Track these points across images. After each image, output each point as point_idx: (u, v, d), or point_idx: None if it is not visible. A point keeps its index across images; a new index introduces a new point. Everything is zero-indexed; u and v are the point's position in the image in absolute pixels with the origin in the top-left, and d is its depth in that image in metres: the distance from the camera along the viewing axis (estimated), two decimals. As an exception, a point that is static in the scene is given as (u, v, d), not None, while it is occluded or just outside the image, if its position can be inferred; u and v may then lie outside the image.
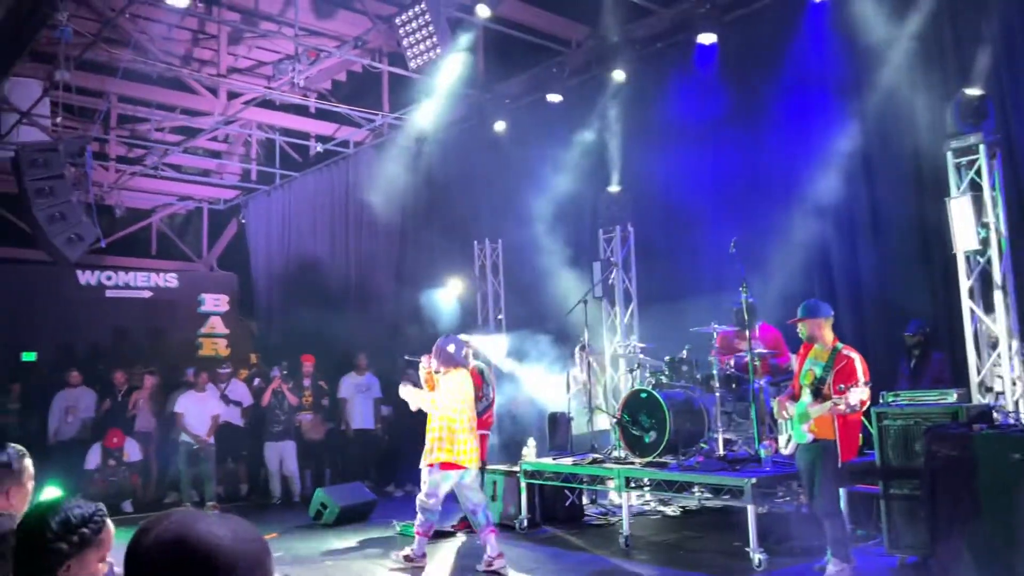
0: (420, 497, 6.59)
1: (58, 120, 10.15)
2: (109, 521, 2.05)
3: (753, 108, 8.56)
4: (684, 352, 7.71)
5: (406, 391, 6.74)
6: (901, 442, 5.95)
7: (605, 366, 9.45)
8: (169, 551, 1.26)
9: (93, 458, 10.30)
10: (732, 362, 7.40)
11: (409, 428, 10.87)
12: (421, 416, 10.70)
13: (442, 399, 6.43)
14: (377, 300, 12.86)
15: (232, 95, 12.10)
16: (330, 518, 8.47)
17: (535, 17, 10.23)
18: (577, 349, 8.96)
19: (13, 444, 2.85)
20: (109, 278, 14.67)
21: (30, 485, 2.88)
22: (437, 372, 6.64)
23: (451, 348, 6.59)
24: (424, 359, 6.78)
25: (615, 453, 7.64)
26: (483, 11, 8.63)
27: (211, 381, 10.82)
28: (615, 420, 7.56)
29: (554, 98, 10.07)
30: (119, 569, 3.05)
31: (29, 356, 13.44)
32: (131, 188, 14.32)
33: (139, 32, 10.71)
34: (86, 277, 14.33)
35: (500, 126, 10.93)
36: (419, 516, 6.57)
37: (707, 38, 8.61)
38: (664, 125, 9.07)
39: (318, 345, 12.39)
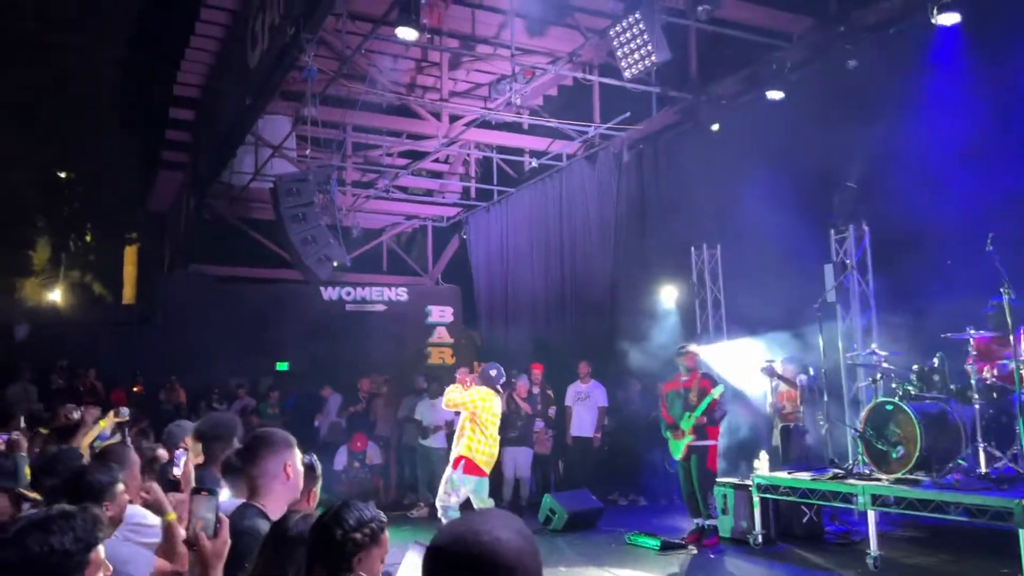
0: (441, 495, 7.25)
1: (306, 152, 11.18)
2: (387, 528, 2.22)
3: (1004, 89, 7.72)
4: (935, 360, 7.09)
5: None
6: None
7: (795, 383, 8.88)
8: (458, 546, 1.42)
9: (340, 460, 11.24)
10: (994, 371, 6.71)
11: (631, 436, 10.92)
12: (642, 426, 10.77)
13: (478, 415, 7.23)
14: (594, 310, 12.96)
15: (453, 118, 12.76)
16: (559, 524, 8.63)
17: (750, 13, 9.91)
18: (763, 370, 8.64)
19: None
20: (348, 293, 15.97)
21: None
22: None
23: (493, 372, 7.53)
24: (460, 375, 7.72)
25: (858, 468, 7.18)
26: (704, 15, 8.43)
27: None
28: (857, 434, 7.10)
29: (775, 95, 9.66)
30: (390, 572, 3.28)
31: (282, 366, 14.92)
32: (365, 210, 15.48)
33: (370, 65, 11.60)
34: (328, 293, 15.68)
35: (715, 127, 10.67)
36: (441, 513, 7.19)
37: (949, 18, 7.90)
38: (900, 114, 8.41)
39: (537, 354, 12.71)
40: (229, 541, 2.34)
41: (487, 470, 7.26)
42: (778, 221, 9.87)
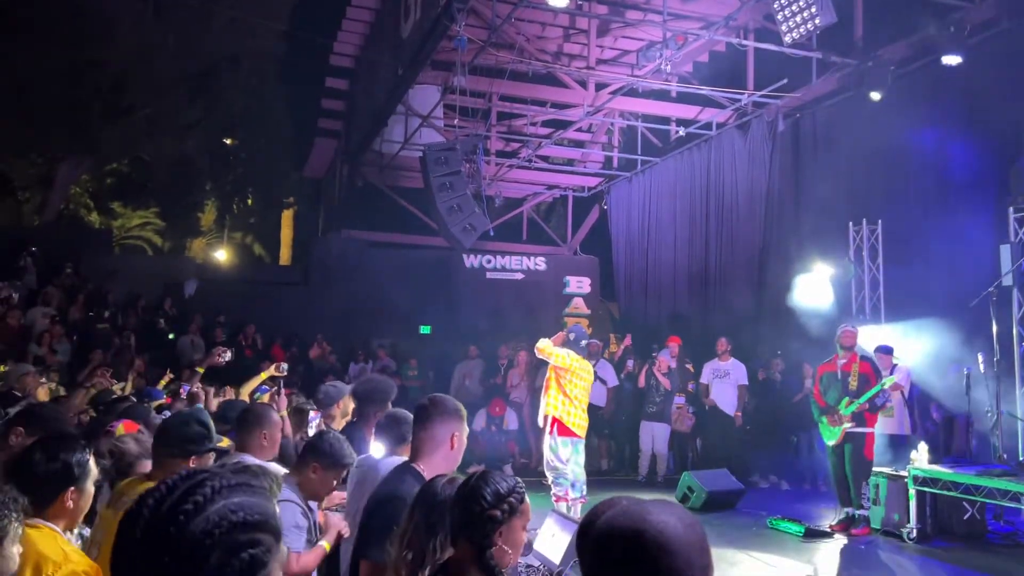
0: (547, 462, 6.89)
1: (454, 121, 11.35)
2: (526, 494, 2.21)
3: None
4: None
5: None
6: None
7: None
8: (623, 538, 1.35)
9: (479, 422, 11.51)
10: None
11: (773, 417, 10.55)
12: (786, 407, 10.37)
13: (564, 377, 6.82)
14: (739, 285, 12.55)
15: (599, 86, 12.58)
16: (697, 503, 8.47)
17: (927, -29, 9.18)
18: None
19: None
20: (489, 261, 16.21)
21: None
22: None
23: (572, 336, 6.99)
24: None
25: (1030, 466, 6.63)
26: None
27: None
28: (1033, 429, 6.54)
29: (951, 60, 8.90)
30: (529, 538, 3.28)
31: (425, 329, 15.37)
32: (507, 179, 15.60)
33: (517, 34, 11.60)
34: (471, 261, 15.97)
35: (880, 96, 9.98)
36: (551, 480, 6.87)
37: None
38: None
39: (676, 329, 12.50)
40: None
41: (580, 434, 6.87)
42: (948, 197, 9.19)
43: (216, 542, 1.01)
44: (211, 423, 3.14)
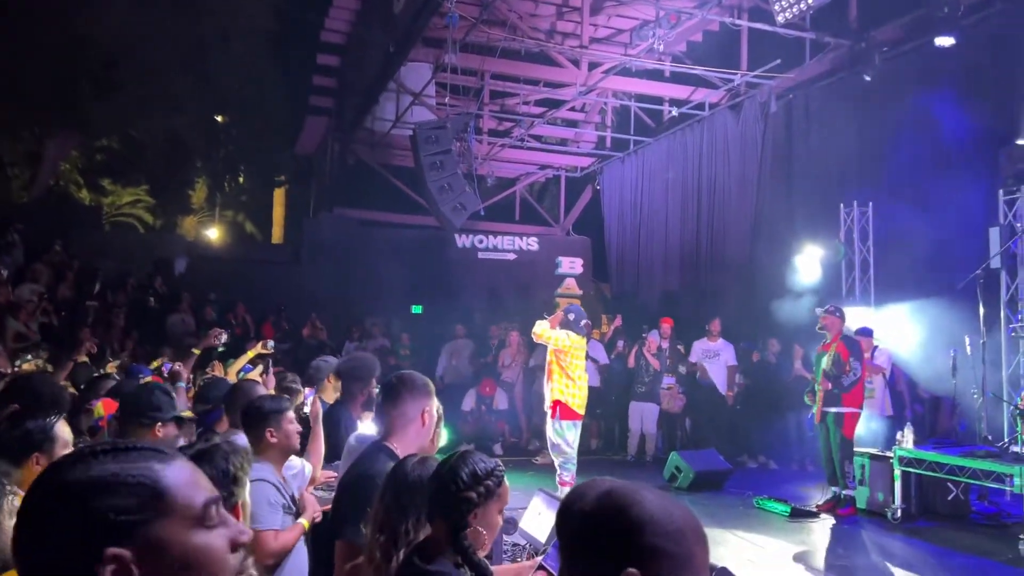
0: (552, 447, 7.12)
1: (446, 100, 11.26)
2: (505, 477, 2.21)
3: None
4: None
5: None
6: None
7: None
8: (593, 502, 1.32)
9: (468, 402, 11.53)
10: None
11: (765, 398, 10.60)
12: (779, 387, 10.41)
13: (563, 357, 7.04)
14: (730, 266, 12.56)
15: (592, 65, 12.50)
16: (684, 483, 8.52)
17: (922, -49, 9.13)
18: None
19: None
20: (481, 241, 16.17)
21: None
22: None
23: (571, 316, 7.14)
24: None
25: (1015, 448, 6.67)
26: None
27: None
28: (1017, 411, 6.59)
29: (944, 41, 8.87)
30: (514, 517, 3.27)
31: (417, 309, 15.34)
32: (499, 159, 15.53)
33: (509, 11, 11.50)
34: (462, 240, 15.92)
35: (873, 77, 9.95)
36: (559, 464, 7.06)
37: None
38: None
39: (667, 309, 12.52)
40: None
41: (581, 413, 7.12)
42: (938, 179, 9.17)
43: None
44: (173, 393, 3.15)
